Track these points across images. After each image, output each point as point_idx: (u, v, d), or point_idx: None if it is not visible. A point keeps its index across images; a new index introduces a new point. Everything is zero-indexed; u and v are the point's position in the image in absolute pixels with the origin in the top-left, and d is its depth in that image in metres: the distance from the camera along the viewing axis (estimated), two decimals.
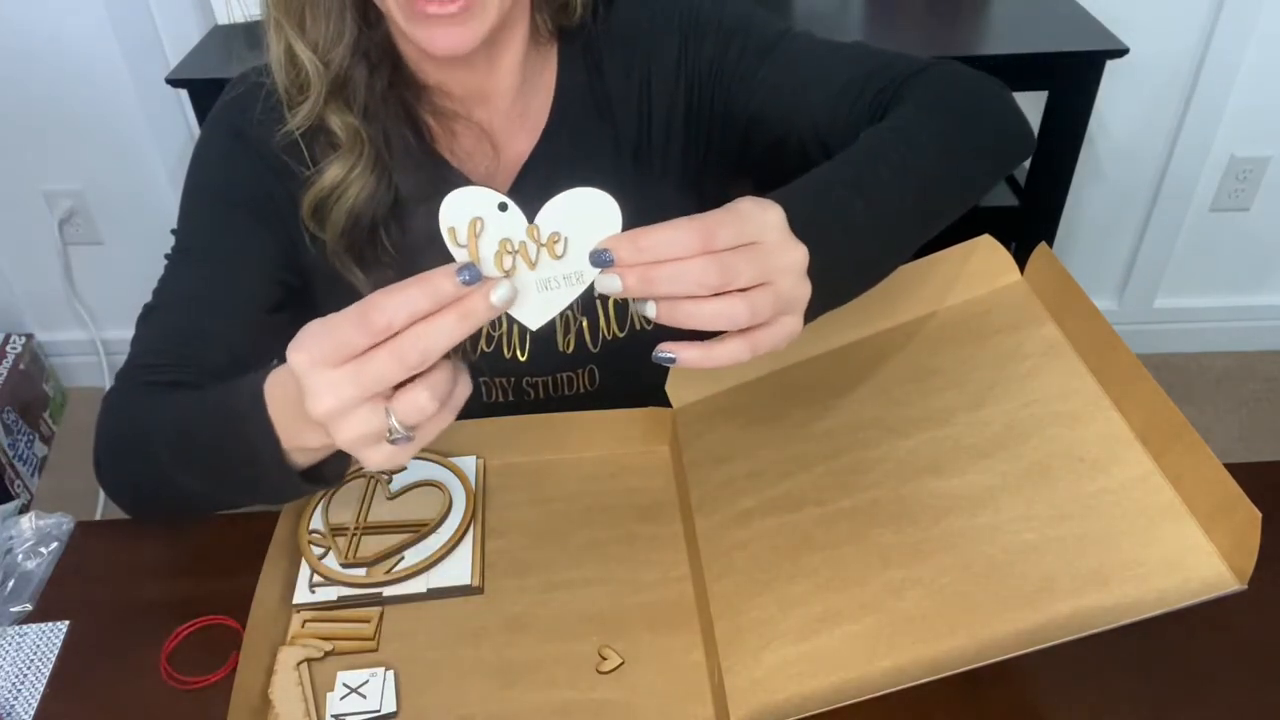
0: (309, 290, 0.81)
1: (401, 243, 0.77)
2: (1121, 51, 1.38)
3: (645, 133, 0.82)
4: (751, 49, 0.78)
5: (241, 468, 0.60)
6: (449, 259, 0.49)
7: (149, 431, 0.68)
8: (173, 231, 0.78)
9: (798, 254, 0.51)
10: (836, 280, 0.57)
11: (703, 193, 0.87)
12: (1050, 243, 1.43)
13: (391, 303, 0.46)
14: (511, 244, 0.49)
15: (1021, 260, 0.72)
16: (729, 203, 0.51)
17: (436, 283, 0.47)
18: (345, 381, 0.47)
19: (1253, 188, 1.91)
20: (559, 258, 0.49)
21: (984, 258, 0.72)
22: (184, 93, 1.53)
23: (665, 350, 0.51)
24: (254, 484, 0.61)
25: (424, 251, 0.77)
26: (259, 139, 0.75)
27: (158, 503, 0.73)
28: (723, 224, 0.49)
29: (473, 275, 0.47)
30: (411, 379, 0.48)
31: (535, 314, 0.51)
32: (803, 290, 0.52)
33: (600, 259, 0.48)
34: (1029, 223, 1.58)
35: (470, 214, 0.49)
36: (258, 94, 0.75)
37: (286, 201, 0.76)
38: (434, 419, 0.50)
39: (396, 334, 0.46)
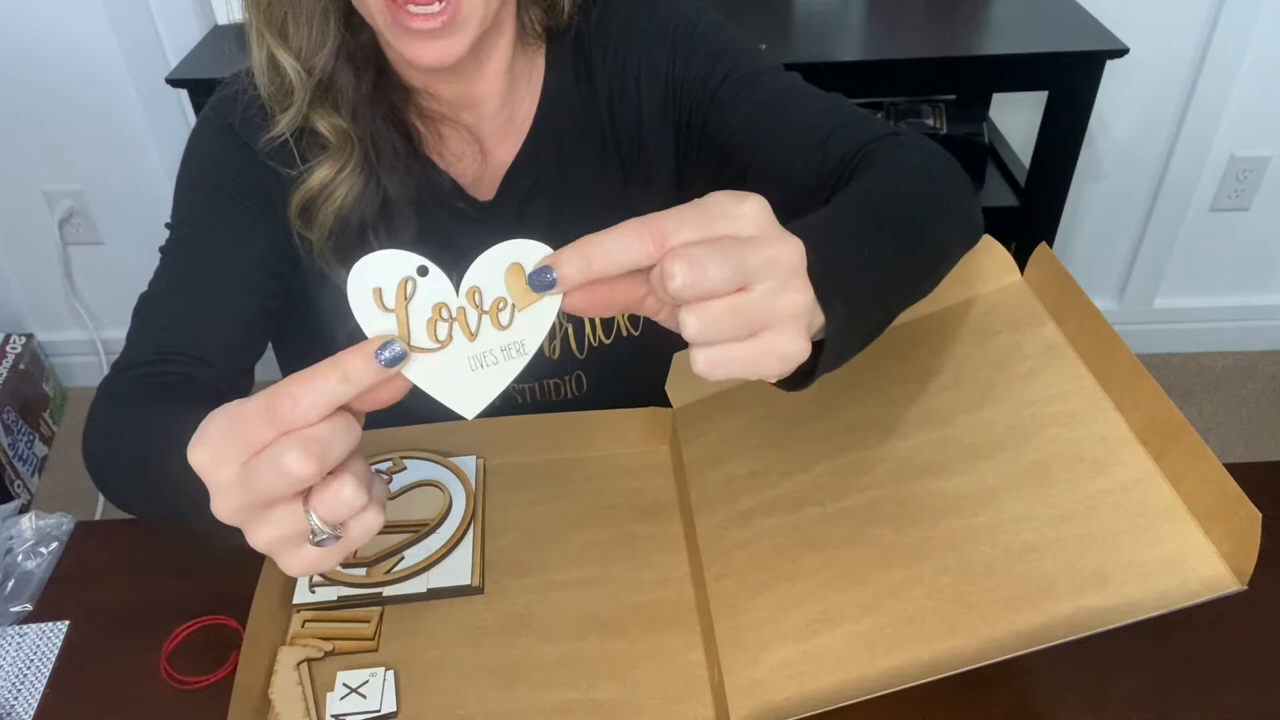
0: (302, 284, 0.81)
1: (389, 244, 0.77)
2: (1121, 51, 1.38)
3: (635, 141, 0.82)
4: (735, 76, 0.78)
5: (189, 515, 0.52)
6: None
7: (121, 441, 0.67)
8: (167, 225, 0.78)
9: (787, 248, 0.42)
10: (853, 328, 0.50)
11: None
12: (1050, 243, 1.43)
13: (304, 393, 0.40)
14: (448, 310, 0.42)
15: (1021, 260, 0.72)
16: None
17: (350, 366, 0.40)
18: (243, 485, 0.41)
19: (1253, 188, 1.91)
20: (504, 328, 0.42)
21: (984, 258, 0.72)
22: (184, 93, 1.53)
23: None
24: (205, 534, 0.52)
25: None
26: (248, 138, 0.75)
27: (128, 504, 0.71)
28: (684, 220, 0.41)
29: (395, 355, 0.40)
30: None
31: (470, 399, 0.43)
32: (797, 296, 0.42)
33: (542, 281, 0.41)
34: (1029, 223, 1.58)
35: (398, 275, 0.41)
36: (244, 97, 0.75)
37: (276, 199, 0.76)
38: (363, 515, 0.43)
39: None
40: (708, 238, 0.41)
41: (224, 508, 0.42)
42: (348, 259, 0.76)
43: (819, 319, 0.46)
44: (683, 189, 0.85)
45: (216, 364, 0.73)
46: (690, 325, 0.41)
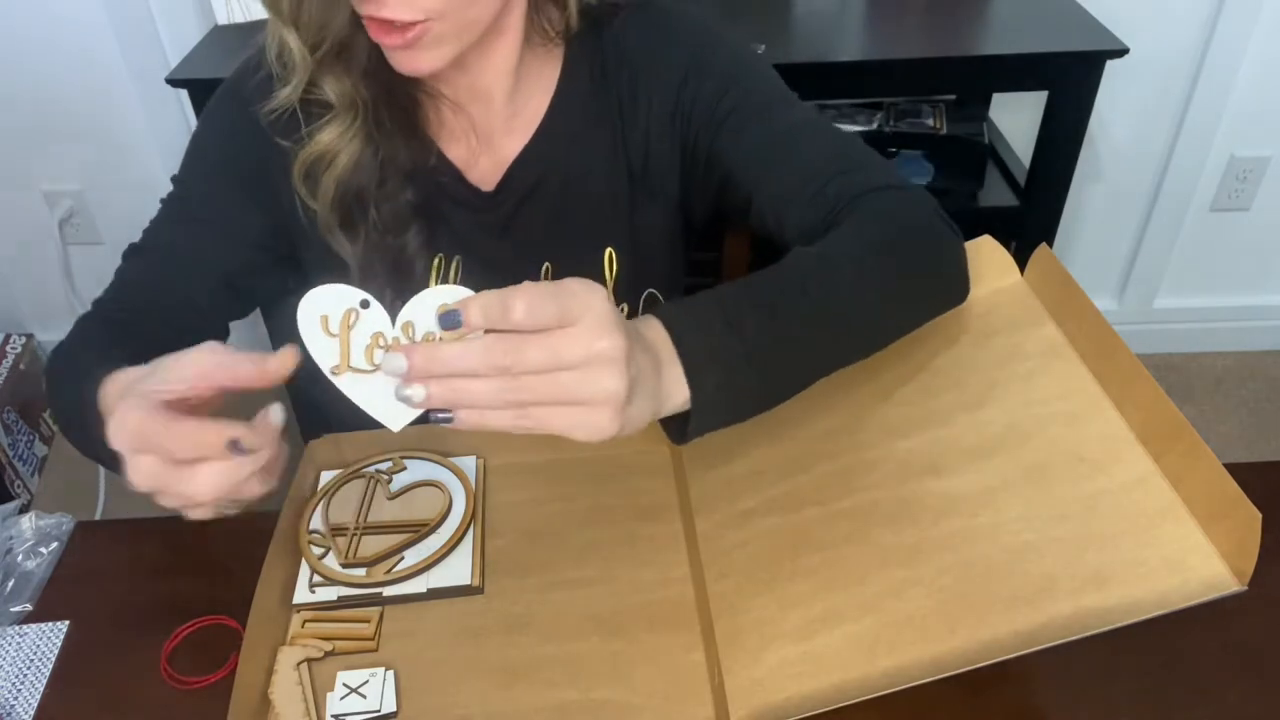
0: (297, 258, 0.83)
1: (388, 212, 0.78)
2: (1121, 51, 1.38)
3: (643, 151, 0.82)
4: (745, 105, 0.78)
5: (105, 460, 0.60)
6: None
7: (75, 377, 0.68)
8: (172, 178, 0.80)
9: (606, 344, 0.47)
10: (722, 398, 0.55)
11: (692, 220, 0.88)
12: (1050, 243, 1.43)
13: (186, 441, 0.50)
14: (384, 339, 0.49)
15: (1021, 260, 0.72)
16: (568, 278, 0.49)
17: (212, 441, 0.49)
18: (150, 480, 0.51)
19: (1253, 188, 1.91)
20: None
21: (984, 258, 0.72)
22: (184, 93, 1.53)
23: (440, 413, 0.49)
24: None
25: (407, 225, 0.78)
26: (257, 111, 0.76)
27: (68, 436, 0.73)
28: (547, 296, 0.47)
29: (239, 451, 0.49)
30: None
31: (395, 416, 0.51)
32: (607, 384, 0.48)
33: (449, 321, 0.47)
34: (1029, 223, 1.58)
35: (343, 306, 0.49)
36: (259, 73, 0.76)
37: (281, 171, 0.77)
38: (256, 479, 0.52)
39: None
40: (557, 320, 0.47)
41: (135, 477, 0.51)
42: (350, 228, 0.78)
43: (680, 395, 0.53)
44: (687, 203, 0.86)
45: (185, 326, 0.76)
46: (500, 410, 0.48)
